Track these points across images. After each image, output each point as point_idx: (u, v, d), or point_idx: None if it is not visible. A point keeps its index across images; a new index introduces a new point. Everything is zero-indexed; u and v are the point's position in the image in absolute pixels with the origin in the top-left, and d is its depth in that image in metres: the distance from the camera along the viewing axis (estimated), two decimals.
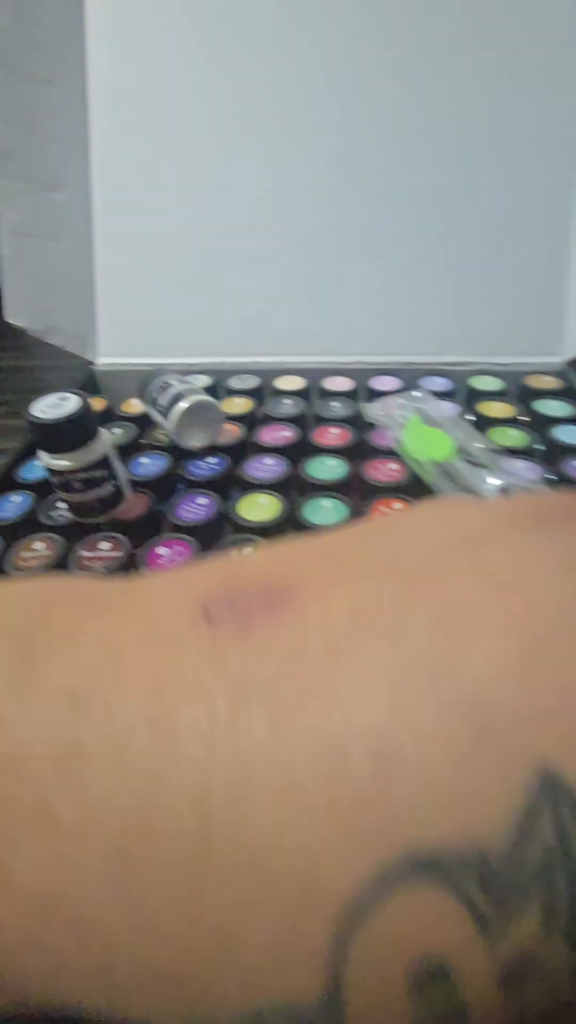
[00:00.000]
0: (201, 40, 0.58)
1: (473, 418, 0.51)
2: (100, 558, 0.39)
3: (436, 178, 0.58)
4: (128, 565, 0.38)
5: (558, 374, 0.56)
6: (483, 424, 0.49)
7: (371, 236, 0.59)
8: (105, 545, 0.39)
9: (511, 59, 0.55)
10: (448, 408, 0.51)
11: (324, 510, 0.41)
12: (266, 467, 0.46)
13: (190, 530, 0.40)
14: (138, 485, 0.45)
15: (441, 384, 0.56)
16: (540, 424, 0.49)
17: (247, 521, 0.40)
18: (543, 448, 0.47)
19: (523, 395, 0.54)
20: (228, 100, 0.59)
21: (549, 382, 0.54)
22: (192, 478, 0.45)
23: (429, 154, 0.58)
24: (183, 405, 0.43)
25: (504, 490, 0.39)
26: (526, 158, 0.57)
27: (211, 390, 0.60)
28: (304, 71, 0.58)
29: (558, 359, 0.57)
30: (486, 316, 0.58)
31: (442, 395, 0.54)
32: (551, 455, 0.46)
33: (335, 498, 0.42)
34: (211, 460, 0.47)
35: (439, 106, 0.56)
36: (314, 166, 0.59)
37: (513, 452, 0.45)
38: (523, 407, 0.51)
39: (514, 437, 0.47)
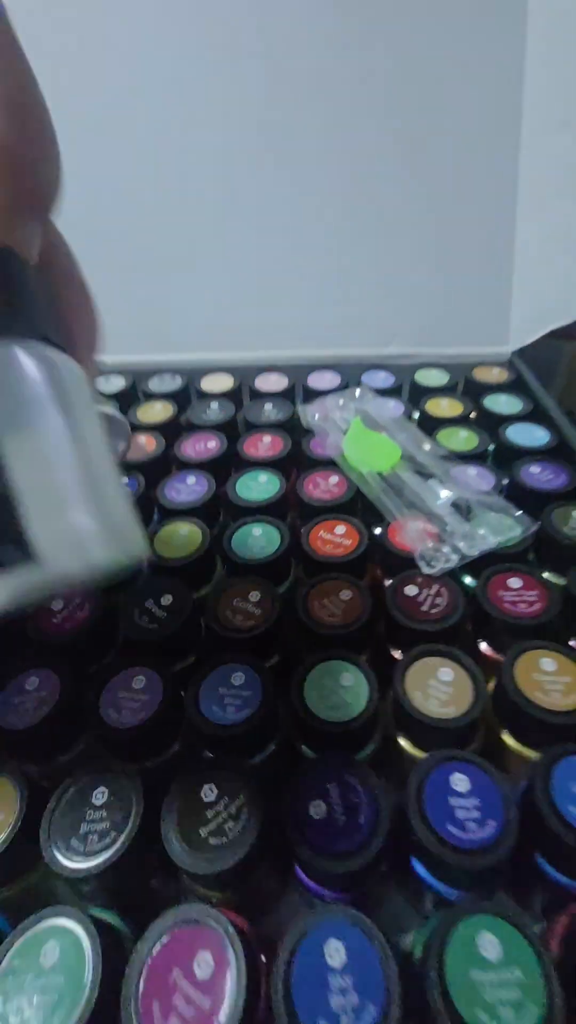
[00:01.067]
0: (131, 39, 0.49)
1: (416, 416, 0.46)
2: None
3: (378, 159, 0.51)
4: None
5: (506, 365, 0.52)
6: (431, 425, 0.44)
7: (305, 218, 0.53)
8: None
9: (455, 49, 0.49)
10: (393, 408, 0.46)
11: (254, 539, 0.35)
12: (187, 488, 0.39)
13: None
14: None
15: (383, 379, 0.51)
16: (490, 422, 0.44)
17: (164, 559, 0.33)
18: (493, 450, 0.42)
19: (471, 389, 0.49)
20: (160, 89, 0.51)
21: (497, 375, 0.50)
22: None
23: (372, 137, 0.51)
24: None
25: (456, 505, 0.35)
26: (472, 135, 0.51)
27: (126, 395, 0.52)
28: (239, 62, 0.50)
29: (505, 349, 0.53)
30: (430, 304, 0.53)
31: (385, 392, 0.48)
32: (502, 458, 0.41)
33: (267, 523, 0.36)
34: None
35: (383, 95, 0.50)
36: (245, 152, 0.52)
37: (463, 457, 0.40)
38: (472, 403, 0.46)
39: (464, 439, 0.42)
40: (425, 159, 0.51)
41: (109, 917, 0.22)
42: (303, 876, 0.22)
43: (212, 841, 0.21)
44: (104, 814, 0.23)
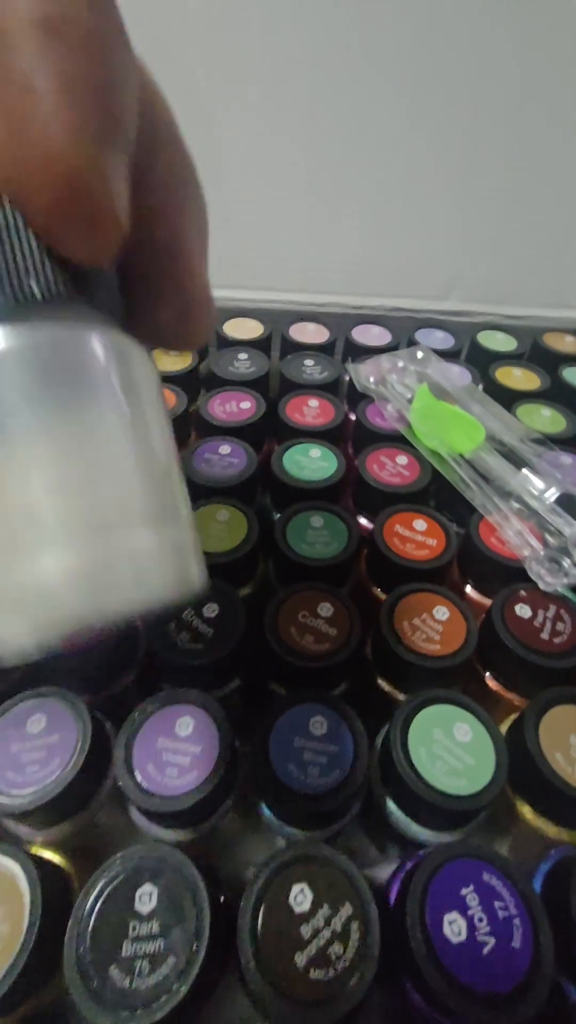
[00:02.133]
0: None
1: (480, 388, 0.39)
2: None
3: (458, 89, 0.41)
4: None
5: None
6: (504, 398, 0.37)
7: (358, 142, 0.43)
8: None
9: None
10: (459, 374, 0.39)
11: (315, 532, 0.28)
12: (220, 459, 0.31)
13: None
14: None
15: (441, 340, 0.43)
16: (572, 399, 0.38)
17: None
18: None
19: (541, 358, 0.42)
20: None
21: (572, 343, 0.43)
22: None
23: (455, 65, 0.41)
24: None
25: (564, 501, 0.29)
26: (557, 80, 0.42)
27: None
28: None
29: None
30: (496, 256, 0.45)
31: (444, 354, 0.41)
32: None
33: (328, 511, 0.29)
34: None
35: (456, 34, 0.40)
36: (306, 77, 0.41)
37: (555, 441, 0.34)
38: (548, 375, 0.40)
39: (549, 419, 0.36)
40: (512, 95, 0.42)
41: None
42: (422, 1005, 0.17)
43: (314, 975, 0.15)
44: (155, 926, 0.16)
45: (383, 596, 0.27)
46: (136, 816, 0.21)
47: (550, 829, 0.21)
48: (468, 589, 0.29)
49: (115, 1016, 0.15)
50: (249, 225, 0.45)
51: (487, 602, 0.27)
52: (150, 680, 0.25)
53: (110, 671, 0.24)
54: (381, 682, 0.25)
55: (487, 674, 0.25)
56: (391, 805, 0.21)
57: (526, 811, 0.21)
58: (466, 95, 0.41)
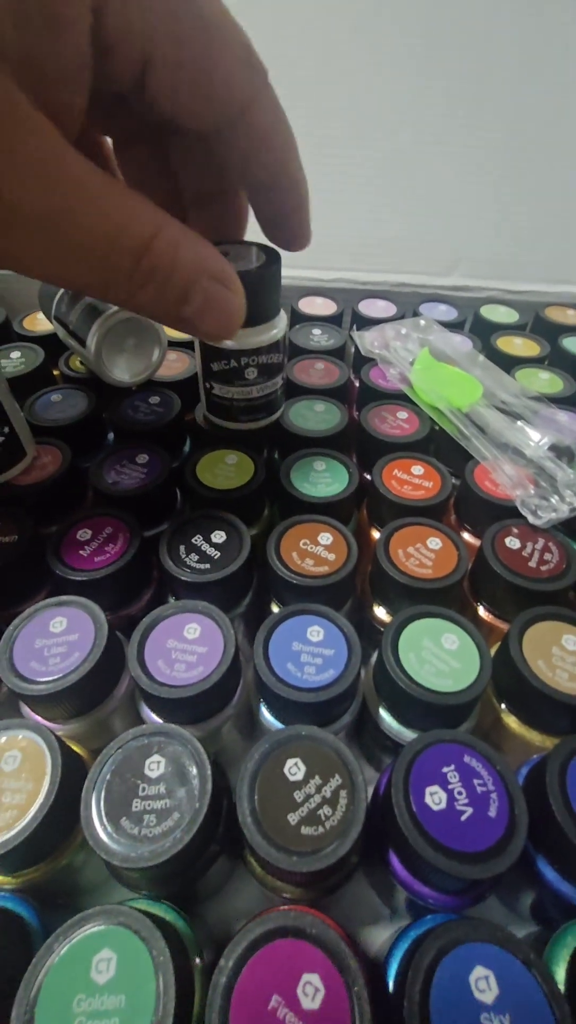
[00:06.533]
0: None
1: (484, 354, 0.40)
2: None
3: (461, 66, 0.43)
4: (29, 553, 0.25)
5: None
6: (505, 364, 0.39)
7: (363, 132, 0.45)
8: None
9: None
10: (460, 342, 0.40)
11: (317, 474, 0.29)
12: None
13: (125, 501, 0.28)
14: (45, 433, 0.31)
15: (444, 312, 0.45)
16: (570, 365, 0.39)
17: (209, 489, 0.28)
18: None
19: (542, 329, 0.44)
20: None
21: (574, 316, 0.44)
22: (125, 425, 0.32)
23: (460, 41, 0.43)
24: (106, 322, 0.29)
25: (555, 449, 0.30)
26: (560, 58, 0.44)
27: None
28: None
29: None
30: (499, 232, 0.47)
31: (447, 326, 0.43)
32: None
33: (330, 457, 0.30)
34: (152, 400, 0.34)
35: (459, 10, 0.42)
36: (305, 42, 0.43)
37: (551, 400, 0.35)
38: (548, 344, 0.41)
39: (547, 381, 0.37)
40: (514, 74, 0.43)
41: (164, 913, 0.18)
42: (404, 875, 0.18)
43: (305, 831, 0.17)
44: (162, 788, 0.18)
45: None
46: (147, 714, 0.23)
47: (535, 738, 0.22)
48: (465, 536, 0.30)
49: (124, 848, 0.16)
50: None
51: None
52: (163, 601, 0.27)
53: (126, 593, 0.26)
54: (377, 610, 0.26)
55: (479, 607, 0.26)
56: (383, 713, 0.23)
57: (512, 722, 0.22)
58: (468, 74, 0.43)
